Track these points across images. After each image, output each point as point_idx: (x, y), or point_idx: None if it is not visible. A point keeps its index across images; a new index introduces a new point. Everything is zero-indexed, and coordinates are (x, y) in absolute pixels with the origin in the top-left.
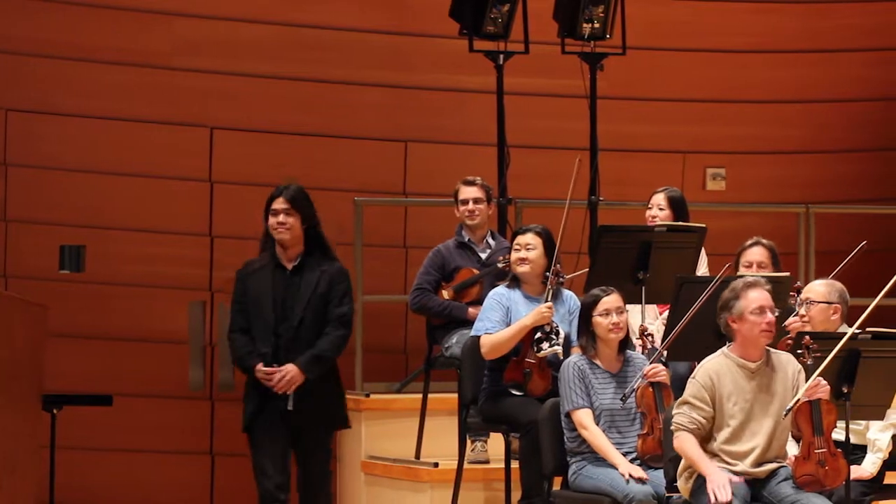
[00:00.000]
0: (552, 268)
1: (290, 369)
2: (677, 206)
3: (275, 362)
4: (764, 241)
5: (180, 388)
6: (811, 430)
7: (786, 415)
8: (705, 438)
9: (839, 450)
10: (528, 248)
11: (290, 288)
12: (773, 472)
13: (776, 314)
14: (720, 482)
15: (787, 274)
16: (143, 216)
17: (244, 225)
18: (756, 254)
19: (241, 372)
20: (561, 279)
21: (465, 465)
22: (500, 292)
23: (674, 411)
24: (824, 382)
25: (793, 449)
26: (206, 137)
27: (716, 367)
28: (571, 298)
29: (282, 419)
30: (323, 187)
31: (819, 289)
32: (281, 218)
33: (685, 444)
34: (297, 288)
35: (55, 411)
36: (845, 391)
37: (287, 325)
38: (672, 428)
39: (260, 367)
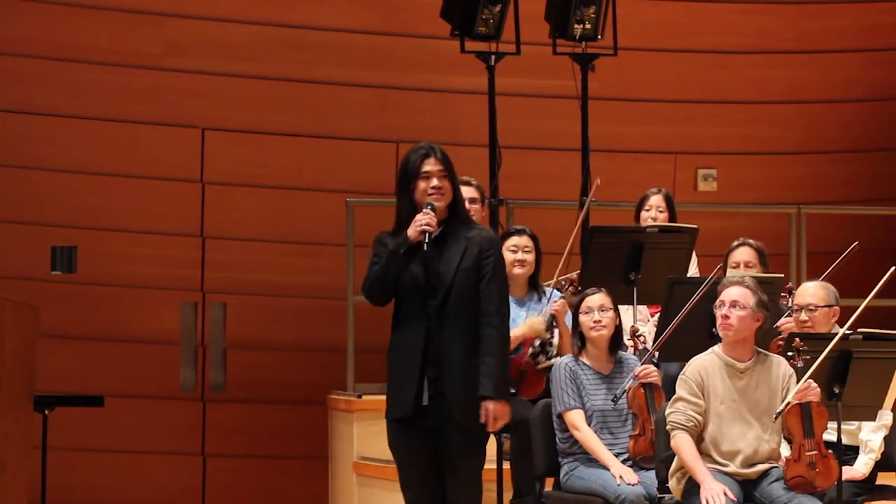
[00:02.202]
0: (567, 277)
1: (491, 410)
2: (672, 208)
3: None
4: (751, 241)
5: (172, 389)
6: (801, 432)
7: (776, 418)
8: (699, 437)
9: (830, 451)
10: (525, 251)
11: (429, 264)
12: (765, 473)
13: (747, 312)
14: (715, 492)
15: (781, 276)
16: (134, 217)
17: (235, 225)
18: (743, 254)
19: (384, 276)
20: (574, 289)
21: None
22: None
23: (668, 410)
24: (815, 385)
25: (786, 450)
26: (197, 138)
27: (705, 364)
28: (555, 295)
29: (425, 430)
30: (314, 188)
31: (819, 292)
32: (436, 182)
33: (682, 446)
34: (436, 265)
35: (47, 412)
36: (837, 392)
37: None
38: (668, 427)
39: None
